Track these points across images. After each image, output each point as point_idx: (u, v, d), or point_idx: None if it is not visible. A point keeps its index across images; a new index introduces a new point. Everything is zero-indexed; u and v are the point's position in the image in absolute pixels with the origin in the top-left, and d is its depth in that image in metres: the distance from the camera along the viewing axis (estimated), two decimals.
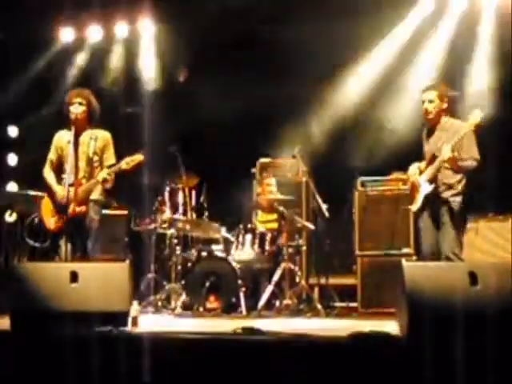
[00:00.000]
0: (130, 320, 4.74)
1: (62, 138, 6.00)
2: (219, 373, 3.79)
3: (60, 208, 5.80)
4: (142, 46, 9.29)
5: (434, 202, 5.73)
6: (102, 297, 4.53)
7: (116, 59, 9.31)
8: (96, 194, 5.90)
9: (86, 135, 5.90)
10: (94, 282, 4.58)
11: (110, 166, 5.83)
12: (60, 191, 5.83)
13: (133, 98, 9.28)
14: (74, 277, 4.55)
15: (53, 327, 4.35)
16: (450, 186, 5.70)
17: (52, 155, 6.02)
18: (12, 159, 9.52)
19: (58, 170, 5.99)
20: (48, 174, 6.00)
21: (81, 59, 9.32)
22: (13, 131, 9.56)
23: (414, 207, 5.88)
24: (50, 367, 3.94)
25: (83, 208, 5.77)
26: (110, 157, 5.94)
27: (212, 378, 3.78)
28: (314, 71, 8.38)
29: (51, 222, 5.88)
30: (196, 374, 3.81)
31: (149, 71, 9.27)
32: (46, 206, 5.95)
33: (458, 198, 5.70)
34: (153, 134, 8.89)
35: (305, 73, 8.42)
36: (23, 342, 4.15)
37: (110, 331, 4.36)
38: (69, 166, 5.76)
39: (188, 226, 7.53)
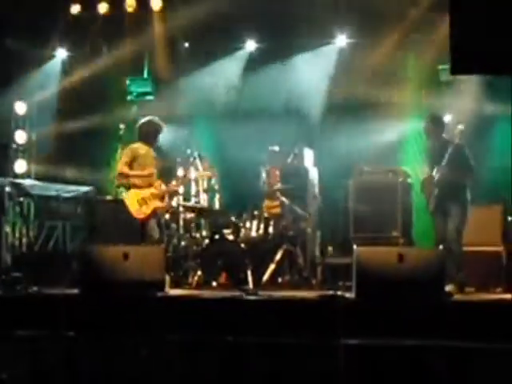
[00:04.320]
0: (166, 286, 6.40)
1: (139, 149, 7.78)
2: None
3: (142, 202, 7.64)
4: None
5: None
6: (146, 269, 6.21)
7: None
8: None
9: None
10: (139, 259, 6.30)
11: None
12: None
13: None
14: (125, 256, 6.28)
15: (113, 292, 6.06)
16: None
17: (128, 159, 7.69)
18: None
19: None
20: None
21: None
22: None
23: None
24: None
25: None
26: None
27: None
28: None
29: (139, 212, 7.60)
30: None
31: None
32: (133, 199, 7.62)
33: None
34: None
35: None
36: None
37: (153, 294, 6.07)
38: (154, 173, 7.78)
39: (200, 213, 8.48)
